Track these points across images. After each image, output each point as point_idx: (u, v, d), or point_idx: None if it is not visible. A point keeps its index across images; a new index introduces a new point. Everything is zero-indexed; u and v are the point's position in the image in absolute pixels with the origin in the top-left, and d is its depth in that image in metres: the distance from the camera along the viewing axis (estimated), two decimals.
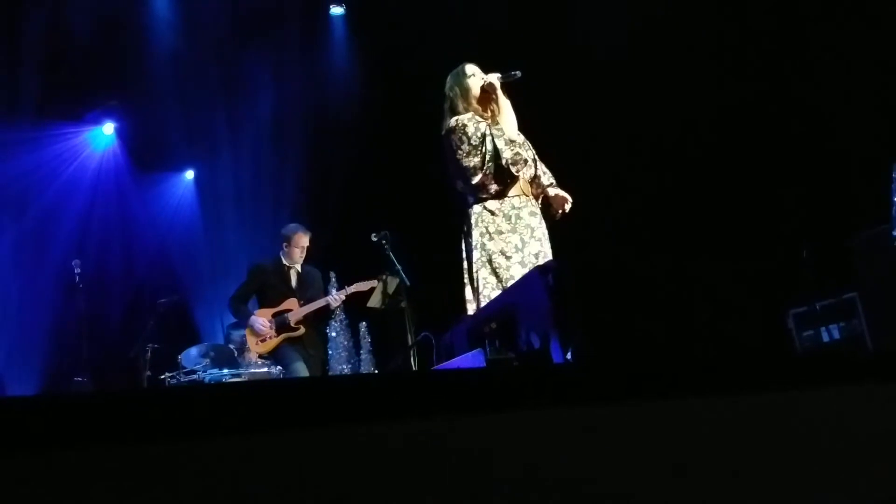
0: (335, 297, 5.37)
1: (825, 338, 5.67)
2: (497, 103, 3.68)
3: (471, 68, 3.78)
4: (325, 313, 5.46)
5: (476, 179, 3.56)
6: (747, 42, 6.24)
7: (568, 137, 5.63)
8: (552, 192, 3.78)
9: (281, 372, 5.20)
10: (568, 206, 3.73)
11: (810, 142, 6.09)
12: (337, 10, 8.36)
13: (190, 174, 8.82)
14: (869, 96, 5.54)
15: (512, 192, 3.61)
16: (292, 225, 5.54)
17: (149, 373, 5.96)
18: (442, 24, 7.05)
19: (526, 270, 3.27)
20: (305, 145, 8.14)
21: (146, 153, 8.18)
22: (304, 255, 5.46)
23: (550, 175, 3.85)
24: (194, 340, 6.96)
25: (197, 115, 7.83)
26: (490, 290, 3.46)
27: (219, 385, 4.95)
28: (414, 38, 7.29)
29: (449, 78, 3.82)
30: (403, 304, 4.92)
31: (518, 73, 3.70)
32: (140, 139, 8.13)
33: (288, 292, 5.38)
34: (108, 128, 8.15)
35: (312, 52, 8.22)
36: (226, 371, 5.46)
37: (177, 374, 5.63)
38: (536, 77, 3.79)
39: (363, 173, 7.86)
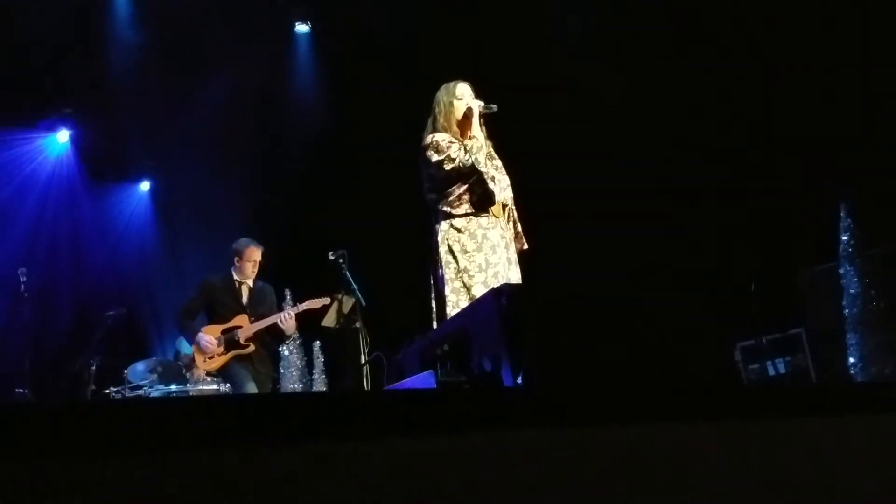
0: (286, 315, 5.25)
1: (771, 371, 5.79)
2: (470, 129, 3.68)
3: (461, 90, 3.74)
4: (278, 331, 5.32)
5: (449, 191, 3.56)
6: (699, 73, 6.39)
7: (539, 166, 5.69)
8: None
9: (229, 389, 5.10)
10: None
11: (760, 179, 6.24)
12: (302, 28, 8.40)
13: (145, 185, 8.70)
14: (819, 134, 5.70)
15: (482, 211, 3.59)
16: (243, 239, 5.41)
17: (93, 387, 5.79)
18: (405, 46, 7.11)
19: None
20: (263, 161, 8.08)
21: (101, 163, 8.05)
22: (255, 269, 5.35)
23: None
24: (144, 355, 6.81)
25: (153, 127, 7.73)
26: (465, 302, 3.40)
27: (159, 399, 4.82)
28: (376, 58, 7.33)
29: (440, 90, 3.79)
30: (358, 325, 4.88)
31: (495, 107, 3.73)
32: (95, 148, 7.99)
33: (238, 308, 5.27)
34: (63, 135, 8.01)
35: (273, 69, 8.21)
36: (173, 387, 5.33)
37: (122, 389, 5.50)
38: (509, 102, 3.82)
39: (322, 190, 7.83)
